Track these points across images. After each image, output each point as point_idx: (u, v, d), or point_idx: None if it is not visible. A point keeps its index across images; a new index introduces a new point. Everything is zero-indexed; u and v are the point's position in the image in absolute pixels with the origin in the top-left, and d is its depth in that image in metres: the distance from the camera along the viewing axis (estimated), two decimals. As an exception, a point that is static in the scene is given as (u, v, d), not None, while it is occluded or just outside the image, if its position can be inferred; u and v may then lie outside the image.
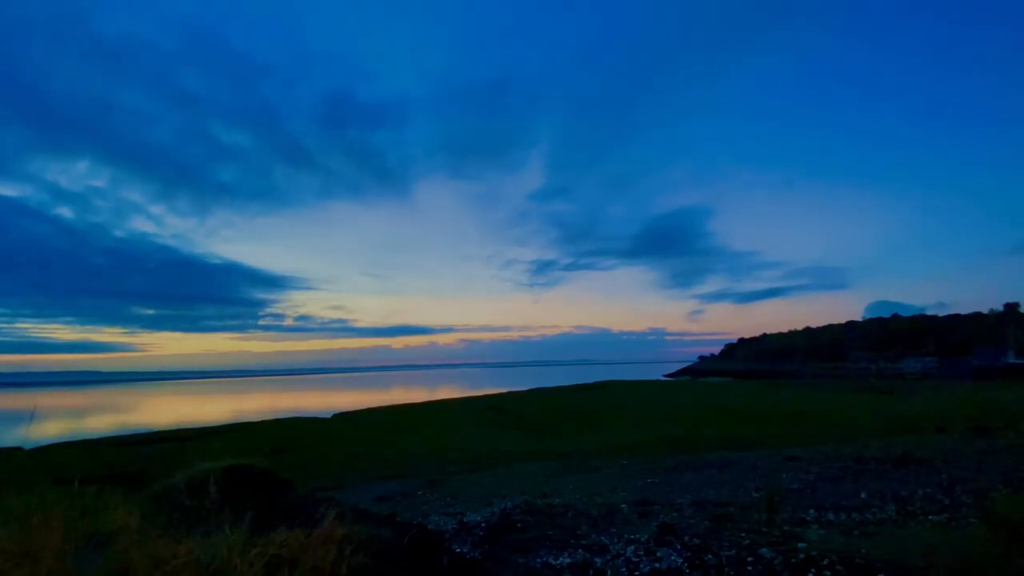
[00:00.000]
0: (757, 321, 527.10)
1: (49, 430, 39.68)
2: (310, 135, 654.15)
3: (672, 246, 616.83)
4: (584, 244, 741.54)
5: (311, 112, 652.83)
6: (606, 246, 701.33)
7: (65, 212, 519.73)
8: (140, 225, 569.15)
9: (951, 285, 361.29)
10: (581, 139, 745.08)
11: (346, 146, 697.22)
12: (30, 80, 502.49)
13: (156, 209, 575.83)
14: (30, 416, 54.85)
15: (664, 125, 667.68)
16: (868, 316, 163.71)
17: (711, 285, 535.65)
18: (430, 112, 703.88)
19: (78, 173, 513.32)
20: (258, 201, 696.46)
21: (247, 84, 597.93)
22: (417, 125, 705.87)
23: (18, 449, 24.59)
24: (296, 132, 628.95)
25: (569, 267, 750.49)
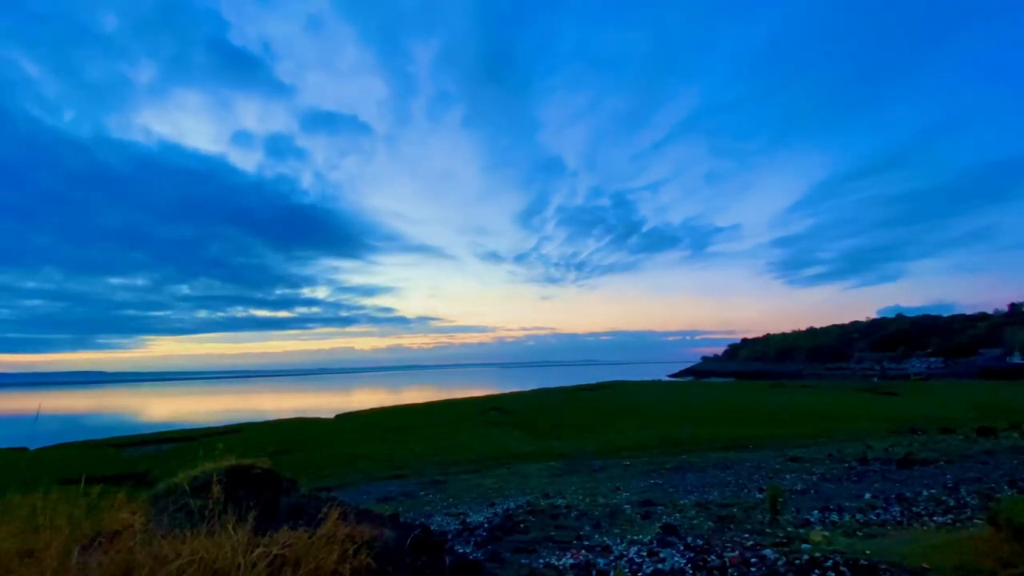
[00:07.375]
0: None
1: (53, 430, 39.88)
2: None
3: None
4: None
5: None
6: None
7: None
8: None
9: (955, 285, 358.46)
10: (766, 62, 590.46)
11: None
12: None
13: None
14: (34, 416, 55.21)
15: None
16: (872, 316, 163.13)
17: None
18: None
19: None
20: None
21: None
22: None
23: (23, 449, 24.75)
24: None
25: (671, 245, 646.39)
